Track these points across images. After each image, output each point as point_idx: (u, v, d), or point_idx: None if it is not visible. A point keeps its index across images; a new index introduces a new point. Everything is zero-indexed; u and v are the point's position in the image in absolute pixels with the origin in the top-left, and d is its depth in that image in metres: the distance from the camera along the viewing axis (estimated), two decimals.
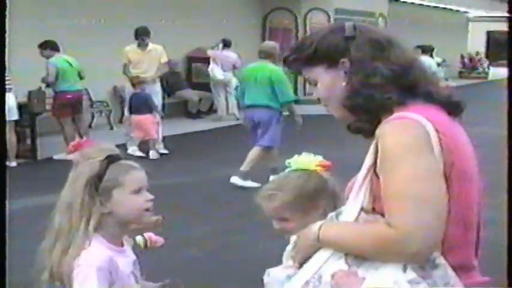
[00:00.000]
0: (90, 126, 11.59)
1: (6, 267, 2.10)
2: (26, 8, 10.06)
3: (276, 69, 7.45)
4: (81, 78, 9.46)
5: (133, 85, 9.43)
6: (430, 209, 1.60)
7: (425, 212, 1.59)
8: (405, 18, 21.31)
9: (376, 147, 1.70)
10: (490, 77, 26.78)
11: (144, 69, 9.58)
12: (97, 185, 2.02)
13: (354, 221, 1.71)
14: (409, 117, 1.68)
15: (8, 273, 2.13)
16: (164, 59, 9.85)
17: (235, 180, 7.44)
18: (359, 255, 1.66)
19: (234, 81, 13.65)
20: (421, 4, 23.50)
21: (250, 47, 15.24)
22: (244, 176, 7.37)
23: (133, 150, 9.18)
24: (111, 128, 12.14)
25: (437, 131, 1.65)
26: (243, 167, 7.45)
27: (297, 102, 8.21)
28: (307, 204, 2.01)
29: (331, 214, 1.80)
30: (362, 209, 1.71)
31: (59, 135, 9.35)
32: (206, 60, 13.87)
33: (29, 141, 9.29)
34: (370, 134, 1.75)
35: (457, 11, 27.38)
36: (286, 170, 2.10)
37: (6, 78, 6.85)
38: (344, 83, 1.79)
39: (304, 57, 1.86)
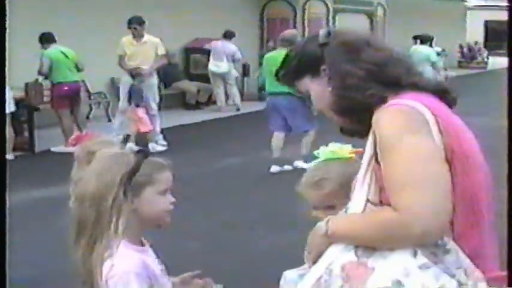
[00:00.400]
0: (87, 117, 11.55)
1: (6, 261, 2.08)
2: None
3: None
4: (78, 70, 9.39)
5: (133, 77, 9.29)
6: (432, 188, 1.58)
7: (427, 192, 1.58)
8: (403, 7, 21.27)
9: (374, 135, 1.69)
10: (489, 67, 26.72)
11: (139, 61, 9.21)
12: (131, 179, 1.91)
13: (361, 213, 1.70)
14: (403, 103, 1.68)
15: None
16: (162, 51, 9.46)
17: (300, 164, 7.47)
18: (368, 247, 1.64)
19: (233, 72, 13.63)
20: None
21: (248, 37, 15.25)
22: (306, 160, 7.25)
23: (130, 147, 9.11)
24: (109, 120, 12.10)
25: (434, 114, 1.65)
26: (304, 151, 7.56)
27: None
28: (350, 190, 2.01)
29: (341, 211, 1.81)
30: (368, 200, 1.70)
31: (56, 127, 9.31)
32: (205, 51, 13.82)
33: (26, 133, 9.25)
34: (364, 134, 1.77)
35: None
36: (317, 161, 2.12)
37: None
38: (329, 89, 1.81)
39: (291, 70, 1.91)
